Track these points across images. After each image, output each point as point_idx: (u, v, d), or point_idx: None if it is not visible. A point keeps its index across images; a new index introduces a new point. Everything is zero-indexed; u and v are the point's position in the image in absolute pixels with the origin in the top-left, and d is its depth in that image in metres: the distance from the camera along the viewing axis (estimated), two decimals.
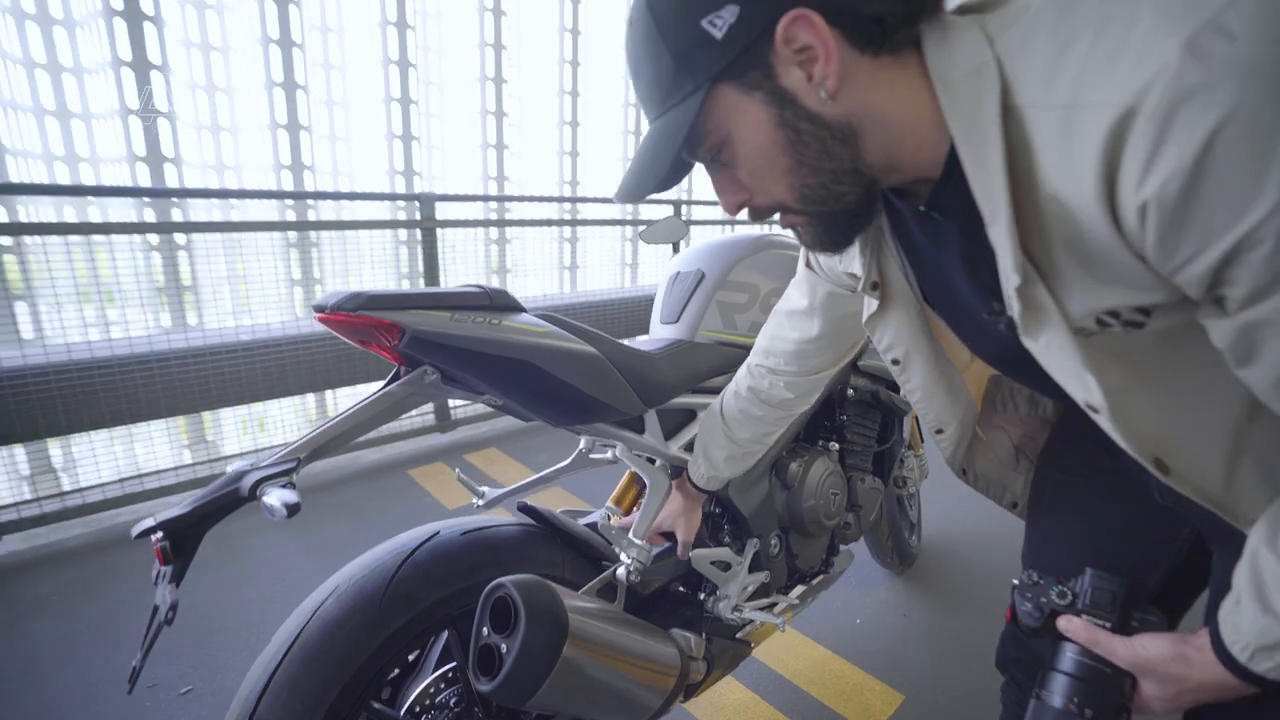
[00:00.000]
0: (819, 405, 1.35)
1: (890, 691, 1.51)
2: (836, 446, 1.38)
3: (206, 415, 2.58)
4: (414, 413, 3.03)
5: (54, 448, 2.27)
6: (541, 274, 3.71)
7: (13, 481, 2.18)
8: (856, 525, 1.46)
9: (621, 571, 0.96)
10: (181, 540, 0.70)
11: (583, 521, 1.25)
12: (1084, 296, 0.50)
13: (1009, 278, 0.50)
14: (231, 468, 0.82)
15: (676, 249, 1.62)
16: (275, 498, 0.67)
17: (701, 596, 1.17)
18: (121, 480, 2.27)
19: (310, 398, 2.87)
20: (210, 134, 2.63)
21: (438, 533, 0.89)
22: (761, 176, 0.56)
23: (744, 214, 0.61)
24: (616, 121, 4.10)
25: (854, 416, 1.45)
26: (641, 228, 1.56)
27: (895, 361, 0.76)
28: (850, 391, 1.43)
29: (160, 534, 0.68)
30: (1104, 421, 0.55)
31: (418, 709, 0.88)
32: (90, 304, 2.25)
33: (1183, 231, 0.40)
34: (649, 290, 3.94)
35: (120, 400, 2.13)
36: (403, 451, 2.91)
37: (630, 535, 0.99)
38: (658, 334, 1.28)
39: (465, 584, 0.86)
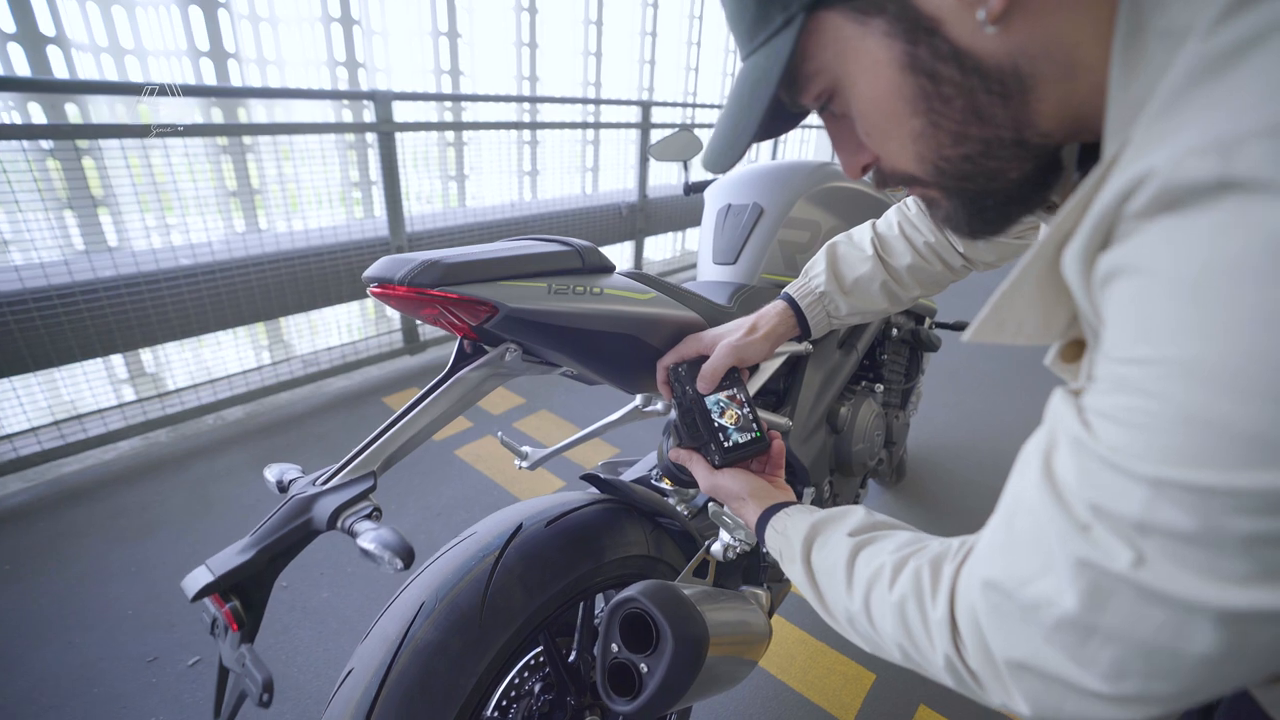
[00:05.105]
0: (865, 350, 1.30)
1: None
2: (880, 388, 1.35)
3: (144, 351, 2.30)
4: (380, 334, 2.82)
5: None
6: (500, 180, 3.42)
7: None
8: (889, 461, 1.46)
9: (717, 548, 0.91)
10: (250, 593, 0.58)
11: (631, 475, 1.18)
12: None
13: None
14: (275, 476, 0.69)
15: (687, 166, 1.47)
16: (373, 541, 0.55)
17: (764, 549, 1.14)
18: (58, 423, 2.01)
19: (259, 326, 2.60)
20: (97, 6, 2.15)
21: (520, 525, 0.80)
22: (882, 139, 0.42)
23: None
24: (578, 10, 3.67)
25: (892, 355, 1.42)
26: (652, 144, 1.40)
27: None
28: (894, 331, 1.38)
29: (222, 590, 0.56)
30: None
31: (504, 703, 0.83)
32: None
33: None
34: (611, 198, 3.72)
35: (44, 340, 1.84)
36: (372, 377, 2.72)
37: (732, 516, 0.92)
38: (713, 275, 1.17)
39: (562, 584, 0.78)
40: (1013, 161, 0.39)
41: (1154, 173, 0.26)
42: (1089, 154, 0.42)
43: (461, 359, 0.75)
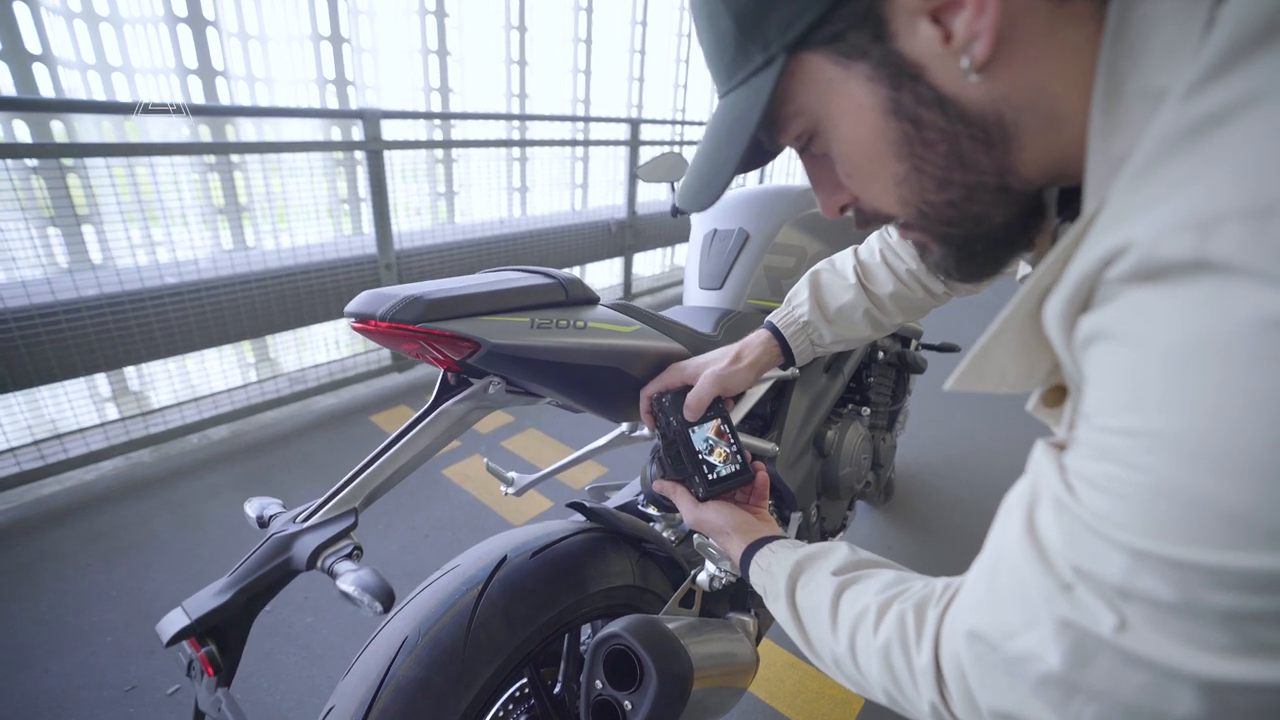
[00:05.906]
0: (852, 373, 1.31)
1: None
2: (867, 411, 1.36)
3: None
4: (369, 351, 2.80)
5: None
6: (489, 196, 3.42)
7: None
8: (876, 483, 1.47)
9: (703, 578, 0.90)
10: (227, 635, 0.57)
11: (618, 500, 1.18)
12: None
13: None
14: (255, 511, 0.68)
15: (674, 187, 1.48)
16: (353, 584, 0.54)
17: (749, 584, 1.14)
18: (38, 443, 1.98)
19: (246, 344, 2.58)
20: (85, 24, 2.15)
21: (504, 558, 0.79)
22: (864, 182, 0.42)
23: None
24: (567, 28, 3.70)
25: (878, 378, 1.43)
26: (640, 165, 1.41)
27: None
28: (880, 354, 1.39)
29: (198, 634, 0.55)
30: None
31: None
32: None
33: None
34: (601, 214, 3.73)
35: (25, 359, 1.82)
36: (360, 395, 2.71)
37: (717, 548, 0.92)
38: (699, 300, 1.17)
39: (547, 616, 0.77)
40: (997, 206, 0.39)
41: (1133, 245, 0.27)
42: (1069, 197, 0.43)
43: (445, 391, 0.75)
